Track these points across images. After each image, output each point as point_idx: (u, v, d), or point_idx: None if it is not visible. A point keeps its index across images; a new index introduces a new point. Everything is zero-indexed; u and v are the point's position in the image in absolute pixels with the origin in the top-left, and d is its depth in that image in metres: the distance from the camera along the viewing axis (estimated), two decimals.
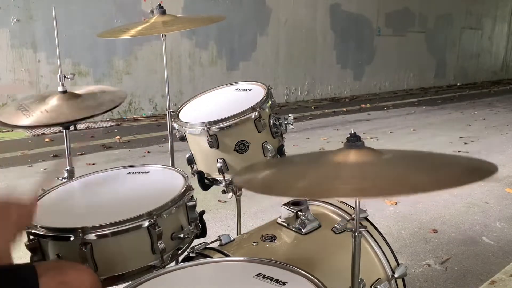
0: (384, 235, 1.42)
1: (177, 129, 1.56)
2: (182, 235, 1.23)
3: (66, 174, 1.74)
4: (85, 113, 1.61)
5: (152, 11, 1.95)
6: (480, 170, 0.81)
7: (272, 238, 1.33)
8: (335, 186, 0.79)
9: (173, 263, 1.23)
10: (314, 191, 0.82)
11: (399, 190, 0.74)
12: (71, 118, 1.64)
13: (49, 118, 1.63)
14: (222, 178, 1.54)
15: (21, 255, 1.13)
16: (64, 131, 1.79)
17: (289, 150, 1.61)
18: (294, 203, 1.43)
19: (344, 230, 1.35)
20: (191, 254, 1.25)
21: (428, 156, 1.01)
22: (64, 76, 1.75)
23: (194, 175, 1.61)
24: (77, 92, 1.71)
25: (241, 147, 1.48)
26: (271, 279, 0.98)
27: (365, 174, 0.83)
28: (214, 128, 1.44)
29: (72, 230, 1.08)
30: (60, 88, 1.70)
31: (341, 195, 0.76)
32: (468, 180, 0.74)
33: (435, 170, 0.84)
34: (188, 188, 1.29)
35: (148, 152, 4.77)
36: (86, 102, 1.73)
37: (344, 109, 8.10)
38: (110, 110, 1.62)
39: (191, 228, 1.28)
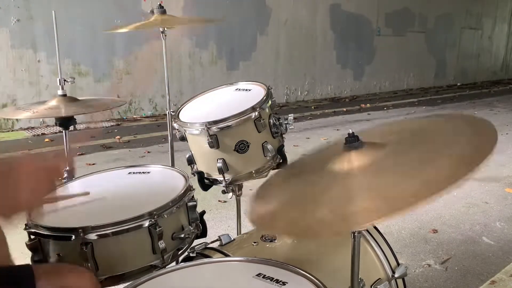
0: (384, 235, 1.42)
1: (177, 129, 1.56)
2: (182, 235, 1.23)
3: (66, 174, 1.74)
4: (86, 110, 1.63)
5: (152, 11, 1.96)
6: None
7: (272, 238, 1.34)
8: (354, 217, 0.77)
9: (173, 263, 1.23)
10: (334, 227, 0.79)
11: (418, 200, 0.71)
12: (72, 113, 1.65)
13: (49, 113, 1.64)
14: (222, 178, 1.54)
15: (21, 255, 1.13)
16: (64, 131, 1.79)
17: (289, 150, 1.61)
18: None
19: None
20: (191, 254, 1.25)
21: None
22: (64, 80, 1.76)
23: (194, 175, 1.61)
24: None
25: (241, 147, 1.48)
26: (271, 279, 0.98)
27: (377, 190, 0.80)
28: (214, 128, 1.44)
29: (73, 230, 1.08)
30: (60, 92, 1.71)
31: (363, 226, 0.74)
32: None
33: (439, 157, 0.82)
34: (189, 189, 1.30)
35: (148, 152, 4.77)
36: (86, 102, 1.74)
37: (344, 109, 8.10)
38: (110, 109, 1.63)
39: (191, 228, 1.28)
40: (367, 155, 0.90)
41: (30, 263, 1.15)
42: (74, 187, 1.45)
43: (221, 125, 1.44)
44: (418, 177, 0.80)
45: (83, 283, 1.00)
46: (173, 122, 1.59)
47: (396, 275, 1.35)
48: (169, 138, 2.02)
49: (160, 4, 1.95)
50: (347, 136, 0.92)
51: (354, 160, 0.89)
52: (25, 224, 1.16)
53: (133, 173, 1.47)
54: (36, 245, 1.15)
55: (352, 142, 0.91)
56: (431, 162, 0.83)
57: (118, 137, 5.45)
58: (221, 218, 2.93)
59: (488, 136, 0.77)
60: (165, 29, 1.99)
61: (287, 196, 0.98)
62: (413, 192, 0.75)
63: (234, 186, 1.63)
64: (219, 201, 3.13)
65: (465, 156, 0.79)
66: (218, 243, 1.31)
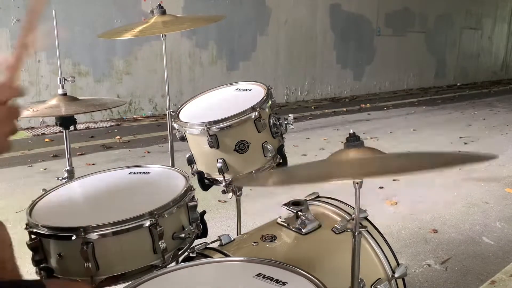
0: (384, 235, 1.42)
1: (177, 129, 1.56)
2: (183, 235, 1.24)
3: (66, 174, 1.75)
4: (86, 109, 1.63)
5: (152, 11, 1.96)
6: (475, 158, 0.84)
7: (272, 238, 1.34)
8: (337, 171, 0.81)
9: (173, 263, 1.23)
10: (316, 176, 0.85)
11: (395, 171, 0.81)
12: (72, 112, 1.65)
13: (49, 112, 1.64)
14: (222, 178, 1.54)
15: (22, 255, 1.14)
16: (64, 131, 1.79)
17: (289, 150, 1.61)
18: (294, 203, 1.43)
19: (344, 230, 1.35)
20: (191, 254, 1.25)
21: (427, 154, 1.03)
22: (65, 79, 1.76)
23: (194, 175, 1.61)
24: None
25: (241, 147, 1.48)
26: (271, 279, 0.98)
27: (364, 163, 0.86)
28: (214, 128, 1.44)
29: (74, 229, 1.08)
30: (60, 91, 1.71)
31: (342, 177, 0.78)
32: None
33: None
34: (189, 189, 1.30)
35: (148, 152, 4.77)
36: (86, 101, 1.74)
37: (344, 109, 8.10)
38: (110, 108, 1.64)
39: (192, 228, 1.28)
40: (365, 154, 0.91)
41: (42, 279, 1.15)
42: (75, 187, 1.45)
43: (221, 125, 1.44)
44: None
45: None
46: (173, 122, 1.59)
47: (396, 275, 1.35)
48: (169, 138, 2.02)
49: (160, 4, 1.95)
50: (349, 136, 0.93)
51: (351, 154, 0.91)
52: (26, 224, 1.16)
53: (134, 173, 1.47)
54: (36, 245, 1.15)
55: (353, 142, 0.92)
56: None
57: (118, 137, 5.45)
58: (221, 218, 2.93)
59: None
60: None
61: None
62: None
63: (234, 186, 1.63)
64: (219, 201, 3.13)
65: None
66: (218, 243, 1.31)
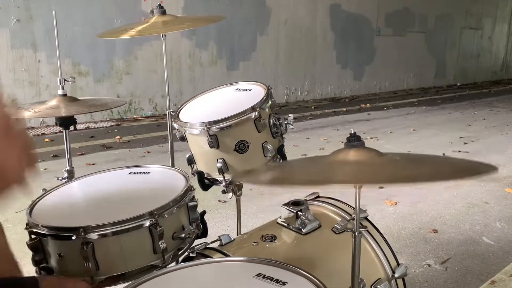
0: (384, 235, 1.42)
1: (177, 129, 1.56)
2: (183, 235, 1.23)
3: (66, 174, 1.75)
4: (86, 110, 1.63)
5: (152, 11, 1.96)
6: (476, 169, 0.82)
7: (272, 238, 1.34)
8: (336, 175, 0.80)
9: (173, 263, 1.23)
10: (315, 180, 0.84)
11: (395, 180, 0.77)
12: (72, 113, 1.65)
13: (49, 113, 1.64)
14: (222, 178, 1.54)
15: (22, 254, 1.13)
16: (64, 131, 1.79)
17: (289, 150, 1.61)
18: (294, 203, 1.43)
19: (344, 230, 1.35)
20: (191, 254, 1.25)
21: (427, 157, 1.02)
22: (65, 80, 1.76)
23: (194, 175, 1.61)
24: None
25: (241, 147, 1.48)
26: (271, 279, 0.98)
27: (364, 167, 0.85)
28: (214, 128, 1.44)
29: (74, 229, 1.08)
30: (60, 92, 1.71)
31: (340, 182, 0.77)
32: (462, 176, 0.76)
33: (433, 166, 0.86)
34: (189, 188, 1.30)
35: (148, 152, 4.77)
36: (86, 102, 1.74)
37: (344, 109, 8.10)
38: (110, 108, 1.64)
39: (192, 228, 1.28)
40: (366, 155, 0.91)
41: (35, 275, 1.15)
42: (75, 187, 1.45)
43: (221, 125, 1.44)
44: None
45: None
46: (173, 122, 1.59)
47: (396, 275, 1.35)
48: (169, 138, 2.02)
49: (160, 4, 1.95)
50: (349, 136, 0.92)
51: (352, 155, 0.90)
52: (26, 224, 1.16)
53: (134, 173, 1.47)
54: (37, 245, 1.15)
55: (353, 142, 0.92)
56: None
57: (118, 137, 5.45)
58: (221, 218, 2.93)
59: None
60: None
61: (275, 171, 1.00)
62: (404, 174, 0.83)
63: (234, 186, 1.63)
64: (219, 201, 3.13)
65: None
66: (218, 243, 1.31)
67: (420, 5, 11.21)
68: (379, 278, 1.33)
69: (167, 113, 1.99)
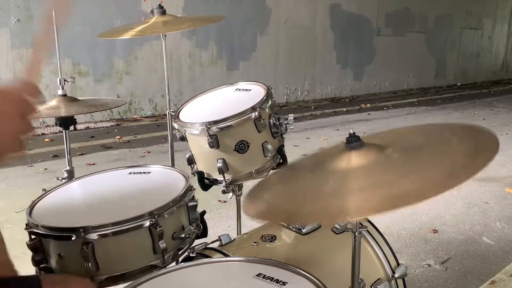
0: (384, 235, 1.42)
1: (177, 129, 1.56)
2: (183, 235, 1.23)
3: (66, 175, 1.75)
4: (86, 110, 1.63)
5: (152, 11, 1.96)
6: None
7: (272, 238, 1.34)
8: (346, 208, 0.79)
9: (173, 263, 1.23)
10: (327, 216, 0.82)
11: (410, 200, 0.74)
12: (72, 113, 1.65)
13: (49, 113, 1.64)
14: (222, 178, 1.54)
15: (22, 255, 1.13)
16: (64, 131, 1.79)
17: (289, 150, 1.61)
18: None
19: (344, 230, 1.35)
20: (191, 254, 1.25)
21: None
22: (65, 80, 1.76)
23: (194, 175, 1.61)
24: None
25: (241, 147, 1.48)
26: (271, 279, 0.98)
27: (374, 187, 0.81)
28: (214, 128, 1.44)
29: (74, 230, 1.08)
30: (60, 92, 1.71)
31: (354, 217, 0.75)
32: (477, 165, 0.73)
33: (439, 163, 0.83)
34: (189, 189, 1.30)
35: (148, 152, 4.77)
36: (86, 102, 1.74)
37: (344, 109, 8.10)
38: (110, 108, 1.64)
39: (192, 228, 1.28)
40: (367, 156, 0.90)
41: (37, 274, 1.15)
42: (75, 187, 1.45)
43: (221, 125, 1.44)
44: (416, 177, 0.82)
45: None
46: (173, 122, 1.59)
47: (396, 275, 1.35)
48: (169, 138, 2.02)
49: (160, 4, 1.95)
50: (349, 136, 0.92)
51: (354, 160, 0.89)
52: (26, 224, 1.16)
53: (134, 173, 1.47)
54: (36, 245, 1.15)
55: (353, 142, 0.91)
56: (430, 165, 0.84)
57: (118, 137, 5.45)
58: (221, 218, 2.93)
59: (489, 146, 0.78)
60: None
61: (284, 191, 0.98)
62: (409, 191, 0.79)
63: (234, 186, 1.63)
64: (219, 201, 3.13)
65: (465, 163, 0.80)
66: (218, 243, 1.31)
67: (420, 5, 11.20)
68: (379, 278, 1.33)
69: (167, 113, 2.00)
